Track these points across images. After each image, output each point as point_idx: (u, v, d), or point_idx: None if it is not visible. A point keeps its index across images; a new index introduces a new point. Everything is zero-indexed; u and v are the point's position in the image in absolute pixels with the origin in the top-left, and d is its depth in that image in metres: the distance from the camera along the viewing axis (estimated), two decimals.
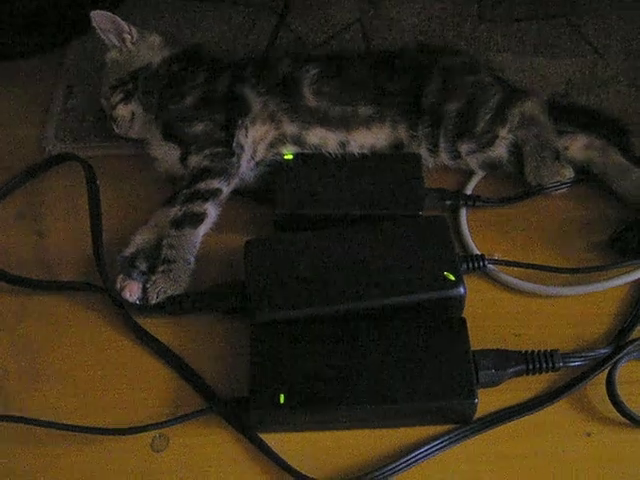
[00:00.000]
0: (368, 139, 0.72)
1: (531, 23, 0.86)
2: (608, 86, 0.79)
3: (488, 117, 0.71)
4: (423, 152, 0.72)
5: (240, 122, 0.72)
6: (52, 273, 0.70)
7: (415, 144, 0.72)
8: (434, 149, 0.72)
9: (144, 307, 0.65)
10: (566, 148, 0.71)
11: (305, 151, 0.72)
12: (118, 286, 0.66)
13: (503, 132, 0.71)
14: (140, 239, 0.69)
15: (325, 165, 0.71)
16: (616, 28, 0.85)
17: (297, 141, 0.72)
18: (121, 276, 0.67)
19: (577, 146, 0.72)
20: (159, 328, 0.65)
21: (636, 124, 0.75)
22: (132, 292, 0.66)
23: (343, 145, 0.72)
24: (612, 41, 0.83)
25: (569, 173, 0.70)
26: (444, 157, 0.72)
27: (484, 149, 0.71)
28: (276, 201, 0.69)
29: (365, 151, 0.72)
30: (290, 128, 0.72)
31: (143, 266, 0.67)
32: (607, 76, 0.80)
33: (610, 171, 0.70)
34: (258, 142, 0.72)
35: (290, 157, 0.71)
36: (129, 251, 0.68)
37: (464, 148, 0.71)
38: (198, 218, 0.68)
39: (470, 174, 0.73)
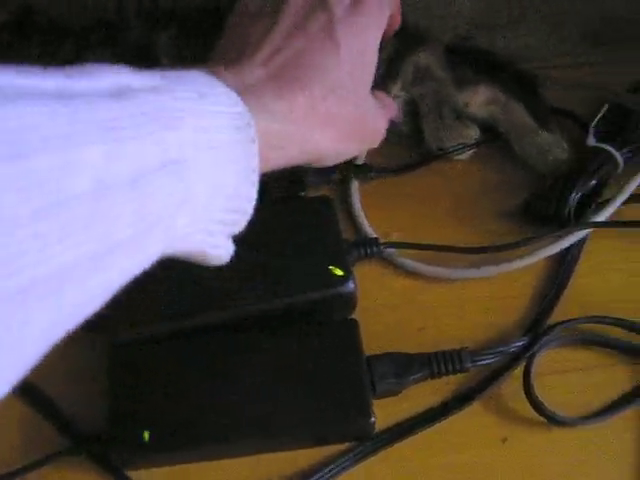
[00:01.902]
0: None
1: None
2: (516, 24, 0.71)
3: (379, 72, 0.62)
4: None
5: None
6: None
7: None
8: None
9: None
10: (466, 104, 0.63)
11: None
12: None
13: (395, 89, 0.62)
14: None
15: None
16: None
17: None
18: None
19: (478, 101, 0.63)
20: None
21: (548, 67, 0.68)
22: None
23: None
24: None
25: (474, 133, 0.63)
26: None
27: None
28: None
29: None
30: None
31: None
32: (515, 13, 0.71)
33: (513, 130, 0.62)
34: None
35: None
36: None
37: None
38: None
39: None
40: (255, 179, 0.42)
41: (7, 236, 0.28)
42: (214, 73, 0.41)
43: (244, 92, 0.41)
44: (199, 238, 0.41)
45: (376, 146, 0.54)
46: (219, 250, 0.43)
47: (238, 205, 0.42)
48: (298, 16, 0.48)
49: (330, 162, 0.51)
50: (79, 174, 0.31)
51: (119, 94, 0.35)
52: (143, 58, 0.63)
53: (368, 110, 0.51)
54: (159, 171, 0.35)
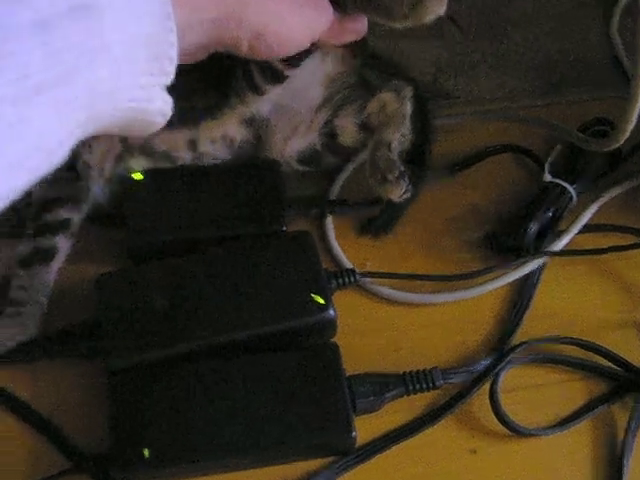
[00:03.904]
0: (216, 131, 0.66)
1: None
2: (475, 68, 0.76)
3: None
4: None
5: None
6: None
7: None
8: None
9: None
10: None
11: (155, 164, 0.66)
12: None
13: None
14: None
15: (177, 182, 0.65)
16: (479, 4, 0.80)
17: (145, 151, 0.66)
18: None
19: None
20: (8, 379, 0.59)
21: (507, 108, 0.73)
22: None
23: (194, 144, 0.66)
24: (479, 18, 0.79)
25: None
26: None
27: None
28: (127, 230, 0.63)
29: (219, 148, 0.66)
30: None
31: None
32: (473, 57, 0.77)
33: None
34: (104, 157, 0.66)
35: (139, 177, 0.65)
36: None
37: None
38: (48, 254, 0.62)
39: (332, 177, 0.69)
40: (171, 25, 0.42)
41: None
42: None
43: None
44: (131, 94, 0.41)
45: (324, 28, 0.56)
46: (156, 103, 0.44)
47: (160, 52, 0.42)
48: None
49: (280, 43, 0.53)
50: None
51: None
52: None
53: None
54: (68, 16, 0.36)
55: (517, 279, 0.63)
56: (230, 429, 0.53)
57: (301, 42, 0.55)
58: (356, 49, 0.67)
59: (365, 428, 0.55)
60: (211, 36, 0.50)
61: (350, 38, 0.61)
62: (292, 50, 0.55)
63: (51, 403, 0.58)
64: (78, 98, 0.37)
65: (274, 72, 0.62)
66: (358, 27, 0.60)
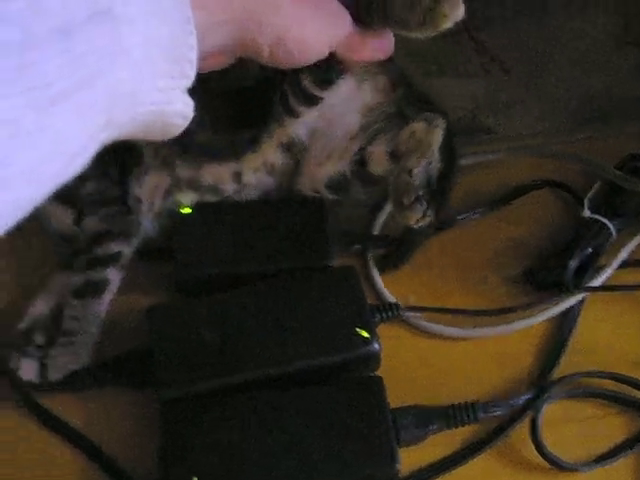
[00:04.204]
0: (258, 159, 0.68)
1: (433, 41, 0.83)
2: (515, 104, 0.77)
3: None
4: None
5: (133, 174, 0.68)
6: None
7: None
8: None
9: (44, 385, 0.61)
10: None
11: (202, 197, 0.68)
12: (13, 366, 0.62)
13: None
14: (36, 310, 0.65)
15: (225, 216, 0.67)
16: (519, 41, 0.82)
17: (192, 185, 0.68)
18: (15, 355, 0.62)
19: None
20: (62, 407, 0.61)
21: (546, 143, 0.74)
22: (28, 372, 0.61)
23: (238, 176, 0.68)
24: (515, 55, 0.81)
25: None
26: None
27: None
28: (175, 263, 0.65)
29: (261, 177, 0.68)
30: (183, 172, 0.68)
31: (40, 339, 0.63)
32: (513, 94, 0.78)
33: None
34: (154, 192, 0.68)
35: (188, 211, 0.67)
36: (24, 325, 0.64)
37: None
38: (100, 286, 0.64)
39: (374, 213, 0.70)
40: (191, 29, 0.42)
41: None
42: None
43: None
44: (152, 97, 0.41)
45: (343, 37, 0.56)
46: (177, 105, 0.43)
47: (180, 55, 0.42)
48: None
49: (300, 50, 0.53)
50: (7, 25, 0.33)
51: None
52: None
53: None
54: (88, 22, 0.36)
55: (557, 314, 0.64)
56: (277, 462, 0.54)
57: (321, 49, 0.56)
58: (396, 80, 0.69)
59: (408, 460, 0.56)
60: (232, 39, 0.50)
61: (373, 56, 0.60)
62: (312, 57, 0.55)
63: (102, 431, 0.60)
64: (98, 102, 0.38)
65: (307, 95, 0.64)
66: (382, 45, 0.60)
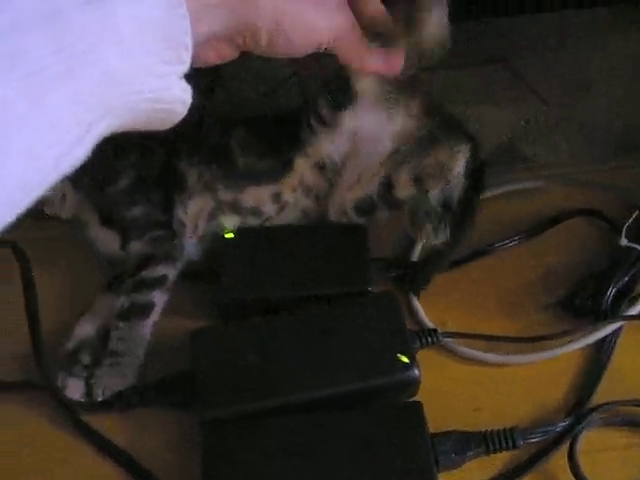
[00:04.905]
0: (295, 180, 0.70)
1: (472, 70, 0.84)
2: (553, 134, 0.78)
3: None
4: None
5: (178, 199, 0.70)
6: None
7: None
8: None
9: (89, 404, 0.63)
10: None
11: (244, 219, 0.70)
12: (60, 385, 0.63)
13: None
14: (82, 331, 0.67)
15: (267, 241, 0.69)
16: (556, 71, 0.83)
17: (234, 208, 0.70)
18: (62, 374, 0.64)
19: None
20: (106, 425, 0.62)
21: (581, 172, 0.75)
22: (74, 391, 0.63)
23: (277, 197, 0.70)
24: (553, 85, 0.82)
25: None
26: None
27: None
28: (217, 286, 0.67)
29: (299, 197, 0.70)
30: (225, 195, 0.70)
31: (86, 359, 0.65)
32: (550, 123, 0.79)
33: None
34: (198, 215, 0.70)
35: (231, 236, 0.69)
36: (70, 345, 0.66)
37: None
38: (145, 308, 0.66)
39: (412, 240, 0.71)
40: (184, 12, 0.42)
41: None
42: None
43: None
44: (148, 84, 0.41)
45: (345, 30, 0.53)
46: (174, 91, 0.43)
47: (174, 39, 0.42)
48: None
49: (299, 37, 0.51)
50: None
51: None
52: (219, 155, 0.71)
53: None
54: (79, 8, 0.36)
55: (594, 342, 0.65)
56: None
57: (319, 38, 0.53)
58: (429, 107, 0.70)
59: None
60: (228, 24, 0.49)
61: (378, 68, 0.57)
62: (311, 45, 0.53)
63: (144, 450, 0.61)
64: (93, 89, 0.38)
65: (323, 119, 0.68)
66: (390, 60, 0.57)
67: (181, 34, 0.42)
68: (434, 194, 0.66)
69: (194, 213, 0.70)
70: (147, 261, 0.67)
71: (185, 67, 0.43)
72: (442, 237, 0.65)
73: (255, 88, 0.85)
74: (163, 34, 0.41)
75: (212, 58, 0.52)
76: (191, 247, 0.70)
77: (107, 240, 0.70)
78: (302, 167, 0.70)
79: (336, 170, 0.70)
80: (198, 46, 0.44)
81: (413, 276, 0.69)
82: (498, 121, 0.80)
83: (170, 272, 0.68)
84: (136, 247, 0.69)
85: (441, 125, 0.71)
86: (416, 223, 0.66)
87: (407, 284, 0.68)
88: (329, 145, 0.70)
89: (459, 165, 0.67)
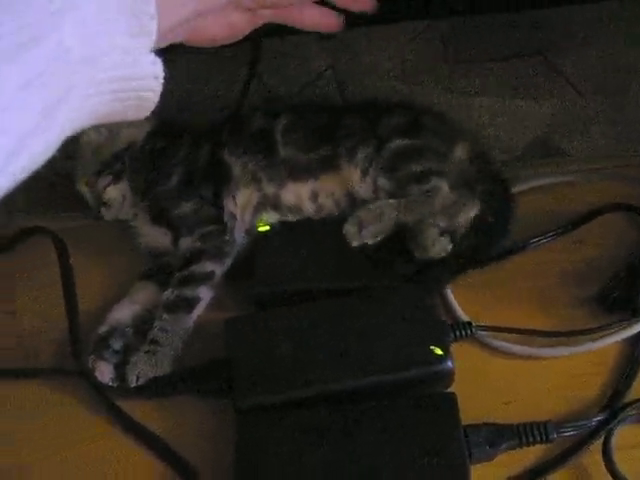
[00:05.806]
0: (335, 183, 0.70)
1: (508, 63, 0.84)
2: (590, 127, 0.77)
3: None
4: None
5: (226, 191, 0.70)
6: (26, 355, 0.68)
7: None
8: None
9: (124, 390, 0.63)
10: None
11: (285, 217, 0.71)
12: (89, 367, 0.64)
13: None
14: (116, 316, 0.67)
15: (302, 234, 0.69)
16: (593, 64, 0.82)
17: (276, 204, 0.71)
18: (92, 356, 0.65)
19: None
20: (141, 411, 0.63)
21: (616, 166, 0.74)
22: (103, 373, 0.64)
23: (315, 195, 0.70)
24: (590, 78, 0.81)
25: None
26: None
27: None
28: (253, 278, 0.67)
29: (337, 199, 0.70)
30: (268, 188, 0.70)
31: (117, 345, 0.66)
32: (587, 116, 0.78)
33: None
34: (245, 208, 0.71)
35: (266, 228, 0.69)
36: (103, 329, 0.67)
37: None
38: (191, 302, 0.67)
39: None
40: None
41: None
42: None
43: None
44: (112, 59, 0.38)
45: None
46: (144, 66, 0.40)
47: (136, 8, 0.39)
48: None
49: None
50: None
51: None
52: (263, 146, 0.71)
53: None
54: None
55: (629, 336, 0.64)
56: (348, 476, 0.55)
57: None
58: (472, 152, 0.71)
59: (479, 477, 0.56)
60: None
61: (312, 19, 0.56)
62: None
63: (179, 437, 0.62)
64: (48, 66, 0.34)
65: None
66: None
67: (142, 2, 0.39)
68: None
69: (242, 204, 0.71)
70: (197, 256, 0.68)
71: (152, 38, 0.40)
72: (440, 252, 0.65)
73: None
74: (123, 3, 0.38)
75: (221, 34, 0.49)
76: (240, 239, 0.70)
77: (157, 236, 0.71)
78: (346, 173, 0.70)
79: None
80: (193, 20, 0.42)
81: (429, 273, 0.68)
82: (534, 114, 0.79)
83: (218, 269, 0.68)
84: (186, 243, 0.69)
85: (481, 175, 0.71)
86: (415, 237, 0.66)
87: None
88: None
89: (466, 215, 0.67)
